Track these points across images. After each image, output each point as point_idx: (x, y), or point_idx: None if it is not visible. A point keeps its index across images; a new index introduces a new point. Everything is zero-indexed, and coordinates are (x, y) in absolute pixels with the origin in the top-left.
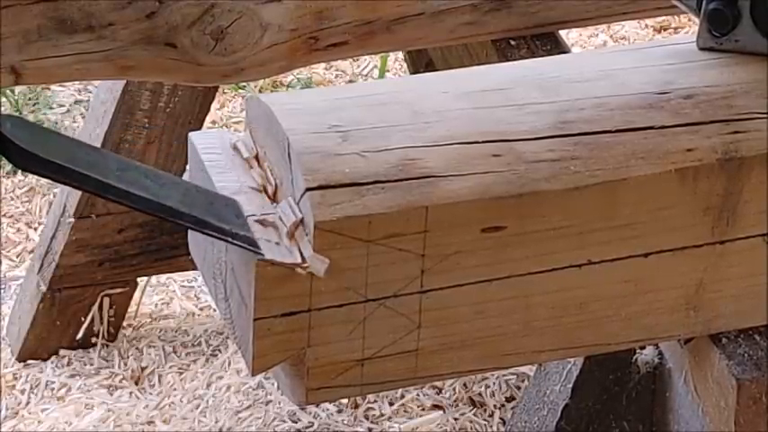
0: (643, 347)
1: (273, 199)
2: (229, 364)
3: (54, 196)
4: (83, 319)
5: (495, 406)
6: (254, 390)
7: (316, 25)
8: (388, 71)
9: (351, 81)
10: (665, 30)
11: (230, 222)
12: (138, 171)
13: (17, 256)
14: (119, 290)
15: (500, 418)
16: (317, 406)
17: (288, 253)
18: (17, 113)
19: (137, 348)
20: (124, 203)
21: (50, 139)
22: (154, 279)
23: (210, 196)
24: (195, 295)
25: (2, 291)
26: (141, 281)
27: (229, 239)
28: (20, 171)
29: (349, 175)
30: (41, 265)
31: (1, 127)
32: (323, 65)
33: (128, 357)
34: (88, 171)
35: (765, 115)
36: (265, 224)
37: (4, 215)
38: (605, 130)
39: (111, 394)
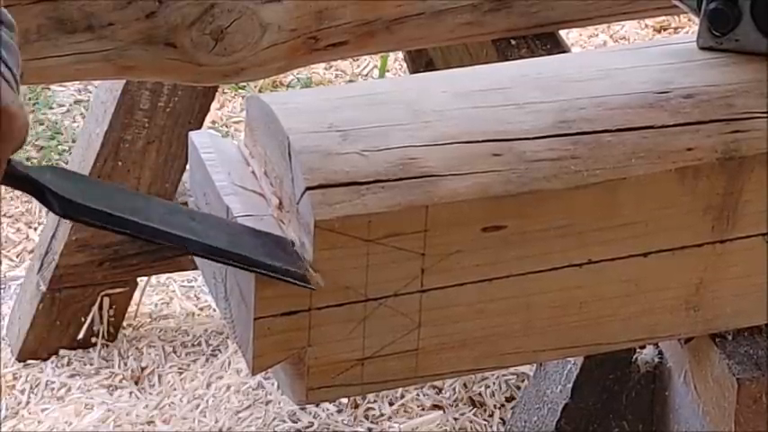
0: (643, 347)
1: (280, 206)
2: (229, 364)
3: None
4: (83, 319)
5: (495, 406)
6: (254, 390)
7: (316, 25)
8: (388, 71)
9: (351, 81)
10: (665, 30)
11: (280, 259)
12: (185, 214)
13: (17, 256)
14: (119, 290)
15: (500, 418)
16: (317, 406)
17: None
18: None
19: (137, 348)
20: (172, 246)
21: (92, 187)
22: (154, 279)
23: (260, 235)
24: (195, 295)
25: (2, 291)
26: (141, 281)
27: (279, 276)
28: None
29: (349, 175)
30: (41, 265)
31: (41, 178)
32: (323, 65)
33: (128, 357)
34: (133, 216)
35: (765, 114)
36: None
37: (4, 215)
38: (605, 130)
39: (111, 394)
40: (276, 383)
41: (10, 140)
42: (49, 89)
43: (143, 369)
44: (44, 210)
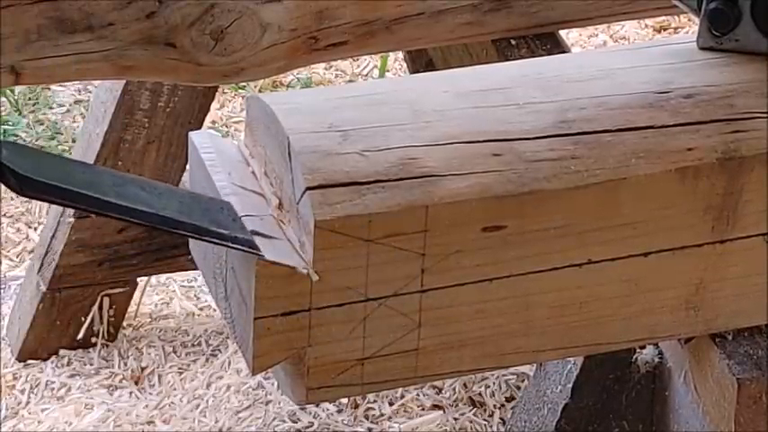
0: (643, 347)
1: (280, 205)
2: (229, 364)
3: None
4: (83, 319)
5: (495, 406)
6: (254, 390)
7: (316, 25)
8: (388, 71)
9: (351, 81)
10: (665, 30)
11: (228, 227)
12: (134, 184)
13: (17, 256)
14: (119, 290)
15: (500, 418)
16: (317, 406)
17: (289, 250)
18: (17, 113)
19: (137, 348)
20: (125, 219)
21: (46, 162)
22: (154, 279)
23: (205, 202)
24: (195, 295)
25: (2, 291)
26: (141, 281)
27: (229, 244)
28: None
29: (349, 175)
30: (41, 265)
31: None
32: (323, 65)
33: (128, 357)
34: (87, 191)
35: (765, 114)
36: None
37: (4, 215)
38: (605, 130)
39: (111, 394)
40: (276, 383)
41: None
42: (49, 89)
43: (143, 369)
44: (44, 210)
